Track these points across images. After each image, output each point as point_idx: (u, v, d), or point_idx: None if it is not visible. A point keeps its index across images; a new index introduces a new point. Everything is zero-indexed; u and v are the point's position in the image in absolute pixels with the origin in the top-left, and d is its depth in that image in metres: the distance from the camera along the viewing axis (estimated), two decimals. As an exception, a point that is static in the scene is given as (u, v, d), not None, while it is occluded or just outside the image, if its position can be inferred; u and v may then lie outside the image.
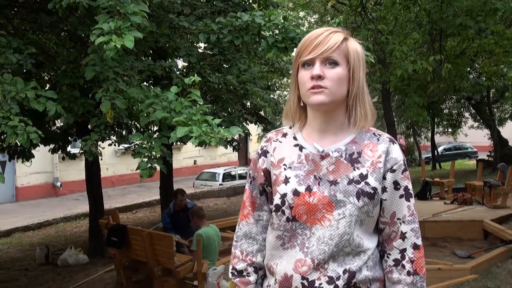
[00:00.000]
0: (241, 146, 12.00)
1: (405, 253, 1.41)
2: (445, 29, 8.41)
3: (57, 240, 10.08)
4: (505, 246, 6.69)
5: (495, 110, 21.70)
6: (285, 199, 1.41)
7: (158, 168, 4.33)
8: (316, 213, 1.37)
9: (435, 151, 22.31)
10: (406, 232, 1.42)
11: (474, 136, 24.95)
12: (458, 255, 6.84)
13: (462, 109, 21.79)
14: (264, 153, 1.51)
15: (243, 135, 4.53)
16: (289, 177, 1.42)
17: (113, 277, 6.50)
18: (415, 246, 1.42)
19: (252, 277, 1.51)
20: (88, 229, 8.90)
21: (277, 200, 1.43)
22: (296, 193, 1.40)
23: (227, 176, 17.69)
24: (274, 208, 1.44)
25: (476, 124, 22.69)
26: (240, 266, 1.53)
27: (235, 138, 9.13)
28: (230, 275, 1.56)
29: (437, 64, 8.27)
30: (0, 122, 3.81)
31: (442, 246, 7.27)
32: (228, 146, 9.02)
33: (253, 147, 26.08)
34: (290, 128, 1.52)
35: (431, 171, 19.89)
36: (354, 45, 1.42)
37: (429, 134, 22.47)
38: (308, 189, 1.39)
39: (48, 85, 6.15)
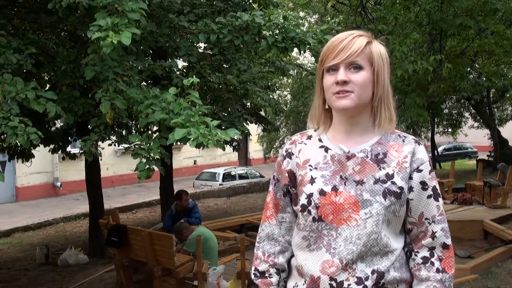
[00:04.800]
0: (241, 146, 12.00)
1: (434, 251, 1.42)
2: (445, 29, 8.41)
3: (57, 240, 10.08)
4: (505, 246, 6.69)
5: (495, 110, 21.70)
6: (311, 198, 1.42)
7: (156, 169, 4.33)
8: (342, 213, 1.38)
9: (435, 151, 22.29)
10: (436, 232, 1.42)
11: (474, 136, 24.94)
12: (458, 255, 6.83)
13: (462, 109, 21.78)
14: (289, 155, 1.53)
15: (241, 137, 4.52)
16: (315, 177, 1.44)
17: (113, 277, 6.50)
18: (445, 246, 1.43)
19: (274, 279, 1.52)
20: (88, 229, 8.90)
21: (303, 200, 1.44)
22: (322, 192, 1.41)
23: (227, 176, 17.70)
24: (300, 208, 1.45)
25: (476, 124, 22.68)
26: (262, 267, 1.54)
27: (235, 138, 9.13)
28: (252, 276, 1.57)
29: (437, 64, 8.26)
30: (0, 122, 3.81)
31: (442, 246, 7.26)
32: (228, 146, 9.03)
33: (253, 147, 26.09)
34: (315, 131, 1.53)
35: (431, 171, 19.86)
36: (378, 48, 1.43)
37: (429, 134, 22.44)
38: (334, 188, 1.40)
39: (48, 85, 6.15)
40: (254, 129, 14.26)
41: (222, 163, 23.39)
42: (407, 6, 8.55)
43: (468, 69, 13.48)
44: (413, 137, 1.48)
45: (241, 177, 17.87)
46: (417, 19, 8.81)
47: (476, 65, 14.07)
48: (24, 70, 4.87)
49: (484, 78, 14.38)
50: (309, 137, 1.53)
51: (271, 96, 9.24)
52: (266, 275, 1.53)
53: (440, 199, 1.44)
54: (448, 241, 1.43)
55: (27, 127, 3.86)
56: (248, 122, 8.49)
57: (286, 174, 1.51)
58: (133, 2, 3.85)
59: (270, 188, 1.57)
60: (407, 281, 1.44)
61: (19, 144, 5.71)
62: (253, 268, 1.57)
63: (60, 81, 5.20)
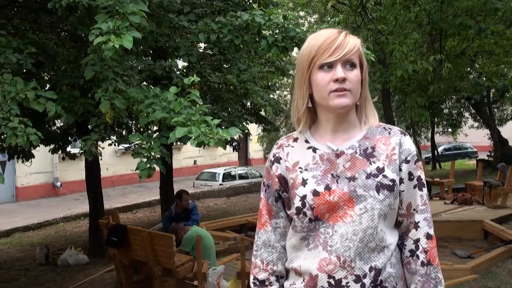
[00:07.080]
0: (241, 146, 12.00)
1: (418, 243, 1.42)
2: (445, 29, 8.42)
3: (57, 240, 10.08)
4: (505, 246, 6.69)
5: (495, 110, 21.71)
6: (305, 200, 1.40)
7: (157, 168, 4.33)
8: (337, 210, 1.38)
9: (435, 151, 22.32)
10: (419, 222, 1.42)
11: (474, 136, 24.96)
12: (458, 255, 6.84)
13: (462, 109, 21.81)
14: (277, 159, 1.51)
15: (242, 136, 4.51)
16: (307, 179, 1.43)
17: (113, 277, 6.50)
18: (428, 236, 1.42)
19: (274, 286, 1.49)
20: (88, 229, 8.90)
21: (297, 203, 1.42)
22: (315, 193, 1.40)
23: (227, 176, 17.69)
24: (295, 212, 1.42)
25: (476, 124, 22.69)
26: (261, 276, 1.50)
27: (235, 138, 9.12)
28: (252, 285, 1.53)
29: (437, 64, 8.27)
30: (0, 123, 3.80)
31: (442, 246, 7.26)
32: (228, 146, 9.02)
33: (253, 147, 26.10)
34: (300, 132, 1.52)
35: (431, 171, 19.91)
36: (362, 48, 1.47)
37: (429, 134, 22.48)
38: (327, 187, 1.40)
39: (48, 85, 6.14)
40: (254, 129, 14.26)
41: (222, 163, 23.39)
42: (407, 6, 8.55)
43: (468, 69, 13.48)
44: (398, 128, 1.49)
45: (241, 177, 17.86)
46: (417, 19, 8.82)
47: (476, 65, 14.08)
48: (24, 70, 4.87)
49: (484, 78, 14.39)
50: (295, 139, 1.52)
51: (271, 96, 9.25)
52: (266, 283, 1.50)
53: (424, 189, 1.45)
54: (431, 231, 1.43)
55: (27, 127, 3.85)
56: (248, 122, 8.48)
57: (276, 179, 1.49)
58: (134, 4, 3.85)
59: (262, 195, 1.55)
60: (404, 277, 1.43)
61: (19, 144, 5.71)
62: (252, 277, 1.54)
63: (60, 81, 5.19)
